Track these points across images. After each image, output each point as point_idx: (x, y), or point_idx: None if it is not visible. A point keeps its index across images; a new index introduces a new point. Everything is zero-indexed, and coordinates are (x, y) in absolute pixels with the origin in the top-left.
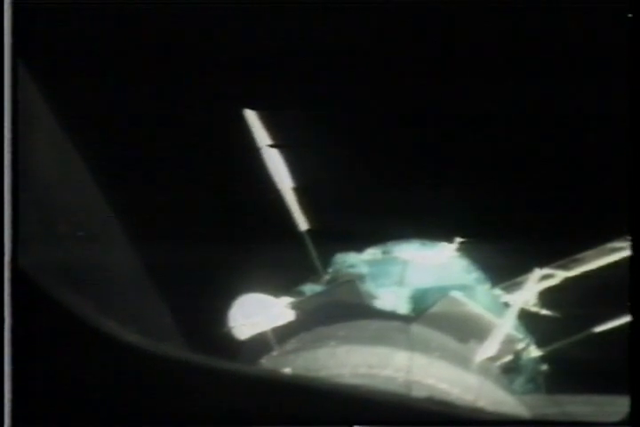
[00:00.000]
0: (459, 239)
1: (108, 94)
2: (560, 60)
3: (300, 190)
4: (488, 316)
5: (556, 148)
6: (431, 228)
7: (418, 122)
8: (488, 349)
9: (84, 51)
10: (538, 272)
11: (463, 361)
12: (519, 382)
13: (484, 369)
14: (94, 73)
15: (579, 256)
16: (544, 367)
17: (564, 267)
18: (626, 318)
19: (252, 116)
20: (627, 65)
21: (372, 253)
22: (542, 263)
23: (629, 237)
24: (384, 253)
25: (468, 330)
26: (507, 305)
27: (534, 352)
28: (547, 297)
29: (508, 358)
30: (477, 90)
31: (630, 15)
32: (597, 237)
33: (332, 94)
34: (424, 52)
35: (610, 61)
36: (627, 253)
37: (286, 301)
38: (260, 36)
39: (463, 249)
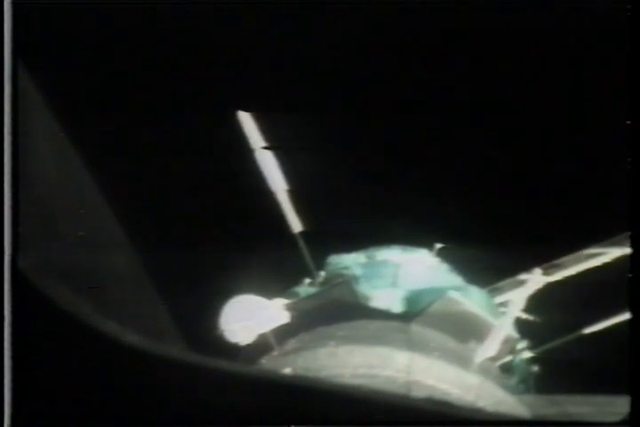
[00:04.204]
0: (439, 245)
1: (108, 95)
2: (560, 59)
3: (294, 192)
4: (486, 316)
5: (542, 153)
6: (411, 233)
7: (411, 126)
8: (488, 349)
9: (84, 51)
10: (525, 276)
11: (463, 361)
12: (519, 382)
13: (483, 369)
14: (94, 73)
15: (558, 261)
16: (544, 368)
17: (546, 272)
18: (623, 318)
19: (245, 118)
20: (627, 65)
21: (359, 256)
22: (524, 268)
23: (630, 236)
24: (368, 257)
25: (467, 330)
26: (502, 306)
27: (533, 352)
28: (540, 299)
29: (508, 358)
30: (474, 91)
31: (630, 13)
32: (577, 243)
33: (326, 96)
34: (419, 53)
35: (610, 61)
36: (607, 257)
37: (280, 302)
38: (255, 37)
39: (443, 255)
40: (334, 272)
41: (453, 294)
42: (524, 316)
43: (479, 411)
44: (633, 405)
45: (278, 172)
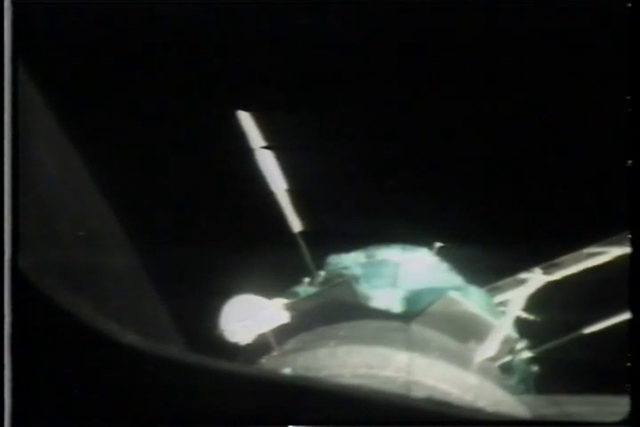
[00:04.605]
0: (438, 244)
1: (108, 94)
2: (560, 59)
3: (294, 192)
4: (486, 316)
5: (542, 153)
6: (411, 232)
7: (411, 126)
8: (487, 349)
9: (84, 51)
10: (525, 275)
11: (463, 361)
12: (518, 382)
13: (483, 369)
14: (94, 73)
15: (558, 261)
16: (543, 368)
17: (546, 271)
18: (623, 318)
19: (245, 118)
20: (627, 65)
21: (359, 255)
22: (524, 267)
23: (629, 236)
24: (368, 257)
25: (467, 330)
26: (501, 305)
27: (533, 352)
28: (540, 299)
29: (508, 358)
30: (472, 91)
31: (630, 13)
32: (577, 242)
33: (325, 96)
34: (420, 54)
35: (610, 61)
36: (607, 257)
37: (280, 302)
38: (255, 37)
39: (443, 254)
40: (334, 272)
41: (453, 294)
42: (524, 315)
43: (479, 411)
44: (633, 405)
45: (278, 172)
